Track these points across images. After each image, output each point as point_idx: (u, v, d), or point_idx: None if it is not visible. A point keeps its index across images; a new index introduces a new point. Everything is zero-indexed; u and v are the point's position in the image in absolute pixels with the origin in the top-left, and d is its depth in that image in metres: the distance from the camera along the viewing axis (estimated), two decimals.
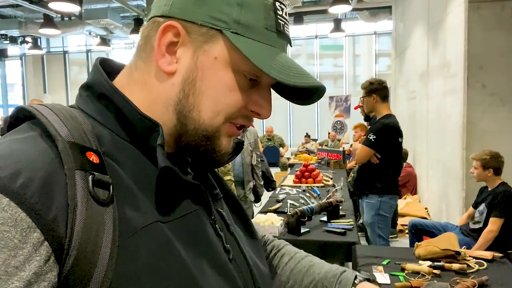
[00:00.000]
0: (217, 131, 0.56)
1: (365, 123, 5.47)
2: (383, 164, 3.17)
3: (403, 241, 4.53)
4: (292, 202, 3.32)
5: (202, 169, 0.66)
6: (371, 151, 3.16)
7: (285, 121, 12.98)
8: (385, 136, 3.13)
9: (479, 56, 3.64)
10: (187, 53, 0.54)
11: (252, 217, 3.28)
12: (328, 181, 4.36)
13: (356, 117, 6.98)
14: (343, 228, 2.61)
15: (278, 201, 3.39)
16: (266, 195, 4.01)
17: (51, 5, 6.41)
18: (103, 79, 0.55)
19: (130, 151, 0.53)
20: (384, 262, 2.14)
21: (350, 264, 2.53)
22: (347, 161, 5.76)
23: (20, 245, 0.39)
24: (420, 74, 5.67)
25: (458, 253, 2.10)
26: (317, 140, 11.14)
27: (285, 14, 0.57)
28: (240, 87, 0.55)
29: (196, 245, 0.54)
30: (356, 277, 0.73)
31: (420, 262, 2.11)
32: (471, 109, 3.68)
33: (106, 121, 0.53)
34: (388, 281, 1.93)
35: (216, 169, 0.74)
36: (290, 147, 11.94)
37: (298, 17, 9.11)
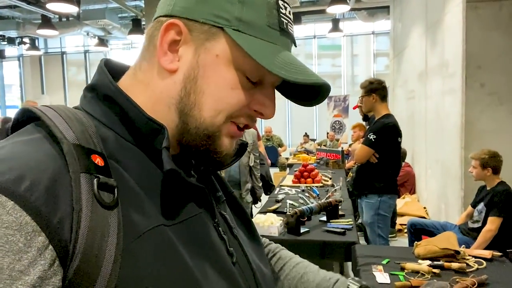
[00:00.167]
0: (218, 130, 0.55)
1: (364, 123, 5.47)
2: (383, 164, 3.17)
3: (402, 241, 4.54)
4: (291, 202, 3.32)
5: (205, 171, 0.66)
6: (371, 151, 3.16)
7: (283, 121, 12.99)
8: (385, 136, 3.14)
9: (477, 56, 3.65)
10: (189, 51, 0.54)
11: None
12: (327, 181, 4.36)
13: (355, 117, 6.98)
14: (342, 228, 2.61)
15: (278, 201, 3.39)
16: (265, 196, 4.02)
17: (49, 6, 6.40)
18: (108, 81, 0.55)
19: (135, 154, 0.53)
20: (384, 262, 2.15)
21: (349, 264, 2.54)
22: (346, 161, 5.77)
23: (25, 249, 0.38)
24: (419, 74, 5.68)
25: (458, 252, 2.10)
26: (315, 140, 11.15)
27: (289, 13, 0.57)
28: (243, 85, 0.54)
29: (199, 249, 0.53)
30: (348, 286, 0.73)
31: (420, 261, 2.12)
32: (469, 109, 3.69)
33: (111, 123, 0.53)
34: (388, 281, 1.93)
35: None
36: (289, 147, 11.94)
37: (296, 17, 9.11)
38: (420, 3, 5.55)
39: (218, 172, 0.74)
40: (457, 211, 3.89)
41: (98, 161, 0.46)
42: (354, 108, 4.60)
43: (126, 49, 13.96)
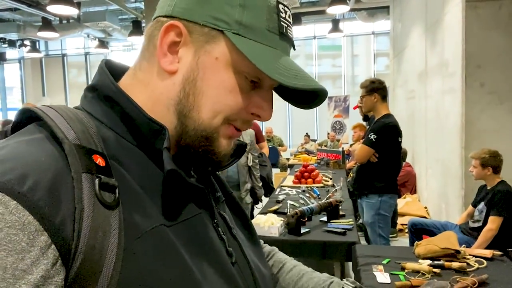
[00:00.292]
0: (215, 131, 0.56)
1: (364, 123, 5.47)
2: (383, 164, 3.17)
3: (403, 241, 4.53)
4: (292, 202, 3.32)
5: (205, 172, 0.66)
6: (371, 151, 3.16)
7: (284, 122, 12.99)
8: (386, 136, 3.14)
9: (477, 55, 3.65)
10: (188, 53, 0.54)
11: (251, 218, 3.27)
12: (328, 181, 4.36)
13: (355, 117, 6.99)
14: (343, 228, 2.61)
15: (278, 202, 3.40)
16: (265, 197, 4.01)
17: (49, 8, 6.41)
18: (109, 81, 0.55)
19: (136, 154, 0.53)
20: (384, 262, 2.15)
21: (351, 264, 2.54)
22: (347, 161, 5.77)
23: (28, 248, 0.38)
24: (419, 73, 5.68)
25: (458, 251, 2.11)
26: (316, 140, 11.15)
27: (289, 17, 0.57)
28: (241, 88, 0.55)
29: (199, 249, 0.54)
30: (343, 287, 0.74)
31: (420, 261, 2.12)
32: (469, 108, 3.69)
33: (111, 123, 0.53)
34: (389, 280, 1.93)
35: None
36: (290, 148, 11.94)
37: (296, 18, 9.12)
38: (420, 3, 5.55)
39: (217, 172, 0.75)
40: (457, 211, 3.89)
41: (99, 161, 0.46)
42: (355, 108, 4.60)
43: (126, 51, 13.98)
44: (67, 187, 0.42)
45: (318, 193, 3.70)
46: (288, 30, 0.57)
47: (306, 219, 2.76)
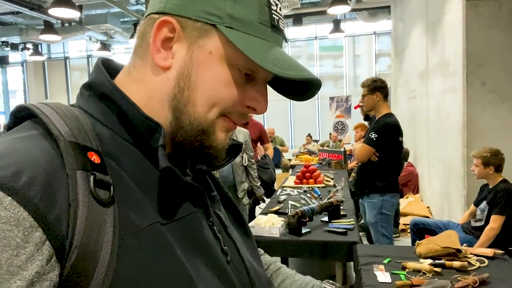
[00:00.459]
0: (211, 125, 0.56)
1: (366, 123, 5.46)
2: (384, 163, 3.16)
3: (406, 241, 4.52)
4: (293, 203, 3.32)
5: (200, 171, 0.66)
6: (372, 150, 3.15)
7: (286, 123, 12.99)
8: (387, 135, 3.13)
9: (478, 54, 3.64)
10: (182, 48, 0.54)
11: (249, 219, 3.26)
12: (329, 181, 4.36)
13: (357, 117, 6.97)
14: (344, 228, 2.61)
15: (279, 202, 3.40)
16: (265, 198, 4.00)
17: (51, 11, 6.44)
18: (105, 79, 0.55)
19: (131, 152, 0.53)
20: (385, 261, 2.15)
21: (352, 263, 2.53)
22: (349, 161, 5.76)
23: (23, 244, 0.39)
24: (420, 73, 5.67)
25: (459, 250, 2.10)
26: (318, 141, 11.14)
27: (280, 10, 0.58)
28: (235, 81, 0.55)
29: (194, 247, 0.54)
30: None
31: (421, 260, 2.11)
32: (471, 107, 3.67)
33: (107, 120, 0.53)
34: (389, 280, 1.93)
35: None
36: (292, 148, 11.93)
37: (297, 19, 9.12)
38: (421, 2, 5.54)
39: (212, 172, 0.75)
40: (460, 210, 3.87)
41: (94, 158, 0.46)
42: (356, 107, 4.60)
43: (128, 53, 13.93)
44: (62, 183, 0.42)
45: (319, 193, 3.70)
46: (280, 23, 0.57)
47: (307, 219, 2.75)
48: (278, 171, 8.06)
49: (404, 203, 5.34)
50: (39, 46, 11.94)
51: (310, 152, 8.19)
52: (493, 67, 3.60)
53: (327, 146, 8.62)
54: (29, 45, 11.23)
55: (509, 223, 2.86)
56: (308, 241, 2.51)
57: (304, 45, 13.22)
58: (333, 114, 10.48)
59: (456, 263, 2.01)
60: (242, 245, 0.66)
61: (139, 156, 0.54)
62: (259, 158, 4.32)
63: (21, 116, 0.51)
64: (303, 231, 2.57)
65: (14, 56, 13.87)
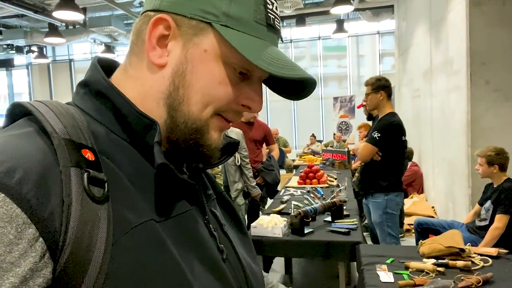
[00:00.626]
0: (205, 124, 0.56)
1: (369, 123, 5.44)
2: (387, 162, 3.15)
3: (410, 241, 4.49)
4: (296, 203, 3.32)
5: (196, 169, 0.66)
6: (375, 149, 3.13)
7: (290, 123, 12.97)
8: (390, 134, 3.12)
9: (481, 53, 3.61)
10: (177, 46, 0.54)
11: (253, 219, 3.24)
12: (333, 181, 4.35)
13: (361, 118, 6.95)
14: (347, 228, 2.60)
15: (283, 202, 3.39)
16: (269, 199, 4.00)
17: (55, 14, 6.47)
18: (100, 77, 0.55)
19: (126, 149, 0.53)
20: (388, 261, 2.14)
21: (354, 264, 2.52)
22: (353, 161, 5.74)
23: (16, 241, 0.38)
24: (424, 72, 5.64)
25: (463, 250, 2.08)
26: (322, 141, 11.11)
27: (276, 9, 0.58)
28: (230, 80, 0.55)
29: (189, 245, 0.54)
30: None
31: (424, 260, 2.10)
32: (475, 106, 3.65)
33: (102, 118, 0.53)
34: (392, 280, 1.92)
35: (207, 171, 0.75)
36: (296, 149, 11.91)
37: (300, 19, 9.10)
38: (424, 1, 5.52)
39: (208, 172, 0.75)
40: (465, 210, 3.85)
41: (89, 155, 0.46)
42: (359, 107, 4.58)
43: None
44: (56, 180, 0.42)
45: (322, 193, 3.69)
46: (276, 22, 0.57)
47: (310, 219, 2.74)
48: (282, 172, 8.05)
49: (409, 203, 5.31)
50: (44, 48, 11.99)
51: (314, 153, 8.17)
52: (497, 65, 3.57)
53: (331, 146, 8.61)
54: (34, 48, 11.28)
55: None
56: (311, 241, 2.51)
57: (307, 46, 13.19)
58: (337, 114, 10.46)
59: (460, 263, 2.00)
60: (238, 243, 0.66)
61: (135, 154, 0.54)
62: (265, 160, 4.31)
63: (17, 114, 0.51)
64: (306, 231, 2.57)
65: (19, 59, 13.95)
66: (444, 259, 2.07)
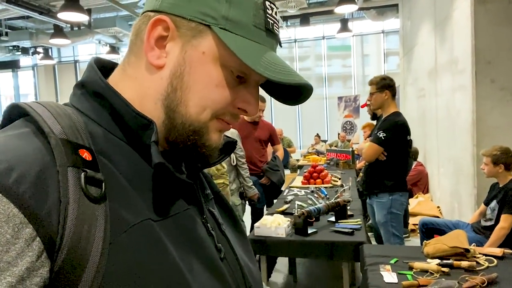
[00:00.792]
0: (204, 126, 0.56)
1: (374, 122, 5.42)
2: (392, 162, 3.13)
3: (415, 241, 4.47)
4: (300, 203, 3.31)
5: (194, 169, 0.66)
6: (380, 149, 3.12)
7: (294, 123, 12.96)
8: (396, 134, 3.10)
9: (487, 51, 3.59)
10: (176, 48, 0.54)
11: (256, 219, 3.23)
12: (337, 181, 4.34)
13: (366, 117, 6.92)
14: (351, 228, 2.59)
15: (286, 203, 3.39)
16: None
17: (60, 15, 6.51)
18: (97, 77, 0.55)
19: (124, 149, 0.53)
20: (392, 261, 2.12)
21: (359, 264, 2.51)
22: (357, 161, 5.72)
23: (12, 241, 0.39)
24: (429, 71, 5.61)
25: (468, 250, 2.07)
26: (327, 141, 11.09)
27: (275, 14, 0.58)
28: (227, 82, 0.55)
29: (187, 244, 0.54)
30: None
31: (429, 260, 2.09)
32: (480, 105, 3.62)
33: (100, 118, 0.54)
34: (396, 280, 1.91)
35: (207, 171, 0.75)
36: (300, 148, 11.89)
37: (305, 19, 9.08)
38: (429, 0, 5.49)
39: (206, 172, 0.75)
40: (470, 209, 3.82)
41: (86, 155, 0.46)
42: (362, 106, 4.57)
43: None
44: (53, 180, 0.42)
45: (326, 193, 3.68)
46: (275, 27, 0.57)
47: (313, 219, 2.74)
48: (286, 172, 8.04)
49: (414, 203, 5.28)
50: (50, 50, 12.08)
51: (318, 152, 8.16)
52: (502, 64, 3.55)
53: (335, 146, 8.59)
54: (40, 49, 11.37)
55: None
56: (314, 241, 2.50)
57: (312, 45, 13.17)
58: (342, 114, 10.44)
59: (464, 263, 1.98)
60: (236, 242, 0.66)
61: (132, 154, 0.54)
62: (270, 160, 4.31)
63: (14, 114, 0.51)
64: (310, 231, 2.56)
65: (25, 60, 14.06)
66: (448, 259, 2.05)
